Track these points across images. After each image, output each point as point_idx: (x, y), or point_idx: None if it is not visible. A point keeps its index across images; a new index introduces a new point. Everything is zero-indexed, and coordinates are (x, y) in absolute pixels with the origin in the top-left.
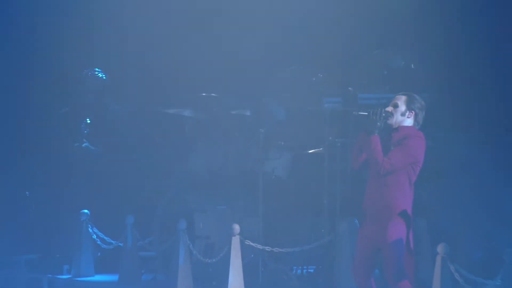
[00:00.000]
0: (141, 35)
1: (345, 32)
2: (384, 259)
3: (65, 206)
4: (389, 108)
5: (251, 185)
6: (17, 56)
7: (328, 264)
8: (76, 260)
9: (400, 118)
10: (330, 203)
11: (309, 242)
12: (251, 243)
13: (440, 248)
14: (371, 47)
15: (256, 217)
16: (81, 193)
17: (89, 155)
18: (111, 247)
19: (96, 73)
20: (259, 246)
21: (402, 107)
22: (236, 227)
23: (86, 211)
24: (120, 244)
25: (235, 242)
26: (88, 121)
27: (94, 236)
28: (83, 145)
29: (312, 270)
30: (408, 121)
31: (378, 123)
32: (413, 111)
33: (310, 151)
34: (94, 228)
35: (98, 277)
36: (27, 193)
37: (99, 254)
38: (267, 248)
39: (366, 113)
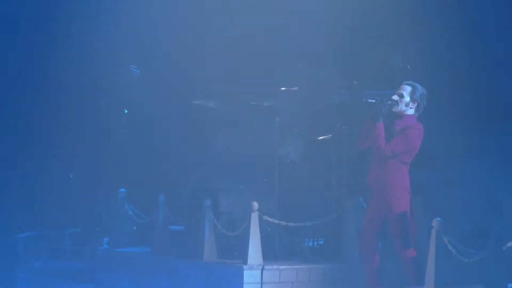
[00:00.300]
0: (171, 33)
1: (352, 32)
2: (392, 231)
3: (105, 185)
4: (395, 97)
5: (268, 168)
6: (63, 54)
7: (336, 237)
8: (114, 233)
9: (404, 107)
10: (337, 183)
11: (319, 217)
12: (268, 218)
13: (435, 223)
14: (374, 45)
15: (272, 196)
16: (119, 174)
17: (126, 141)
18: (145, 221)
19: (131, 70)
20: (275, 221)
21: (407, 98)
22: (255, 204)
23: (123, 189)
24: (152, 219)
25: (254, 217)
26: (126, 112)
27: (130, 212)
28: (121, 132)
29: (322, 242)
30: (411, 110)
31: (383, 111)
32: (416, 102)
33: (320, 137)
34: (130, 205)
35: (133, 249)
36: (71, 175)
37: (134, 228)
38: (282, 223)
39: (374, 101)
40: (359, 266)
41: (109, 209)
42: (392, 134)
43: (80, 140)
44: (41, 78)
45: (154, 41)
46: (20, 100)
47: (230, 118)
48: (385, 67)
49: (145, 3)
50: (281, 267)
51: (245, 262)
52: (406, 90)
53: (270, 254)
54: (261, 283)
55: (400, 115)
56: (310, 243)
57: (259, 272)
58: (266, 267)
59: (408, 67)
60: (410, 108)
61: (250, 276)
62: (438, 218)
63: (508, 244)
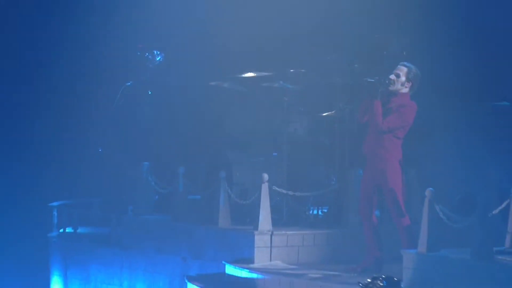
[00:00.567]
0: (188, 20)
1: (354, 18)
2: (387, 200)
3: (130, 159)
4: (392, 77)
5: (278, 142)
6: (95, 39)
7: (338, 205)
8: (138, 202)
9: (399, 86)
10: (340, 156)
11: (323, 188)
12: (277, 189)
13: (427, 193)
14: (374, 31)
15: (281, 168)
16: (143, 149)
17: (149, 119)
18: (165, 191)
19: (155, 54)
20: (284, 191)
21: (403, 78)
22: (265, 176)
23: (146, 163)
24: (172, 189)
25: (264, 188)
26: (150, 93)
27: (153, 183)
28: (144, 111)
29: (325, 210)
30: (406, 89)
31: (381, 89)
32: (410, 82)
33: (324, 114)
34: (153, 176)
35: (155, 216)
36: (100, 149)
37: (156, 197)
38: (290, 193)
39: (373, 80)
40: (359, 231)
41: (133, 181)
42: (388, 110)
43: (109, 118)
44: (80, 63)
45: (174, 27)
46: (61, 81)
47: (243, 98)
48: (384, 52)
49: None
50: (288, 232)
51: (256, 228)
52: (402, 70)
53: (278, 221)
54: (271, 246)
55: (396, 94)
56: (315, 211)
57: (269, 237)
58: (275, 232)
59: (404, 53)
60: (405, 87)
61: (261, 241)
62: (430, 188)
63: (494, 212)
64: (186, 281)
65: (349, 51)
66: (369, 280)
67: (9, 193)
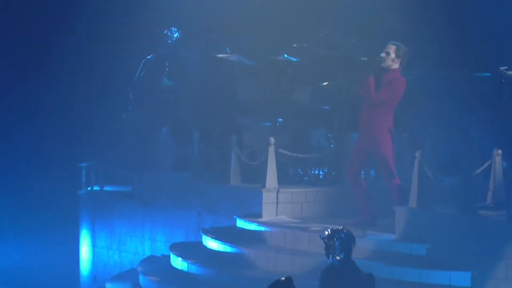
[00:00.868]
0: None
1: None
2: (379, 163)
3: (151, 124)
4: (383, 54)
5: (283, 109)
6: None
7: (337, 166)
8: (158, 162)
9: (390, 63)
10: (338, 121)
11: (323, 150)
12: (283, 151)
13: (417, 154)
14: (370, 9)
15: (286, 131)
16: (163, 116)
17: (168, 89)
18: (183, 153)
19: (172, 31)
20: (288, 153)
21: (392, 55)
22: (272, 139)
23: (165, 128)
24: (189, 151)
25: (271, 150)
26: (167, 64)
27: (171, 146)
28: (163, 81)
29: (326, 170)
30: (396, 65)
31: (374, 66)
32: (400, 58)
33: (324, 84)
34: (172, 140)
35: (173, 175)
36: (123, 116)
37: (174, 159)
38: (294, 155)
39: (366, 58)
40: None
41: (154, 143)
42: (380, 85)
43: (131, 87)
44: (109, 42)
45: (190, 5)
46: (94, 60)
47: (251, 69)
48: (378, 27)
49: None
50: (292, 190)
51: (264, 186)
52: (392, 48)
53: (284, 180)
54: (277, 202)
55: (387, 69)
56: (316, 171)
57: (275, 194)
58: (280, 190)
59: (396, 24)
60: (395, 63)
61: (268, 197)
62: (420, 150)
63: (476, 171)
64: (201, 233)
65: (347, 28)
66: (327, 232)
67: (45, 155)
